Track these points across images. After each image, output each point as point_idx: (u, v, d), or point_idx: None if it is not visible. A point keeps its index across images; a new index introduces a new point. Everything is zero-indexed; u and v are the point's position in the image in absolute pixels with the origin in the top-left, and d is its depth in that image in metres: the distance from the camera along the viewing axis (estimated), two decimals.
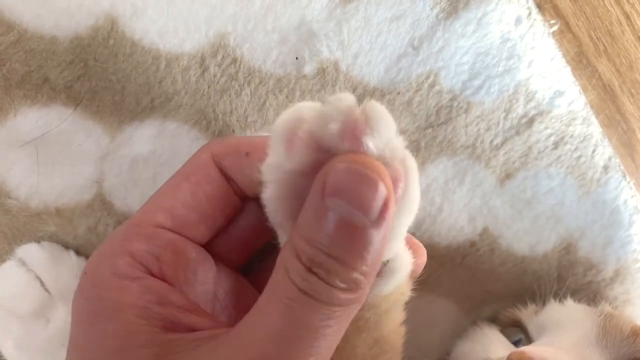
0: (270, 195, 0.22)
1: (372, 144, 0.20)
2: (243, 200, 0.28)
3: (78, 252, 0.36)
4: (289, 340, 0.20)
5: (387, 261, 0.24)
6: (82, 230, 0.36)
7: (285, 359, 0.20)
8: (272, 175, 0.22)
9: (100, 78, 0.34)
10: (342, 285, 0.20)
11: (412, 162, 0.22)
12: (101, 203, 0.36)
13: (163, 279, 0.25)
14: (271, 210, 0.22)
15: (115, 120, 0.34)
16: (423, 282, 0.41)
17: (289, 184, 0.21)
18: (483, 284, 0.41)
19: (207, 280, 0.27)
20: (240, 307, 0.28)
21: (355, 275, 0.20)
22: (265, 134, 0.31)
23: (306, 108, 0.21)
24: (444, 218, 0.39)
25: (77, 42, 0.33)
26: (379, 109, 0.20)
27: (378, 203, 0.19)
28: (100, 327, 0.23)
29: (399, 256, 0.24)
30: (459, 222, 0.40)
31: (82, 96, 0.34)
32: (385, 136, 0.20)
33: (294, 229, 0.21)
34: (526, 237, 0.41)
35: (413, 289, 0.31)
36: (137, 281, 0.24)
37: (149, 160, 0.35)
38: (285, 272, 0.20)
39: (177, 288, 0.25)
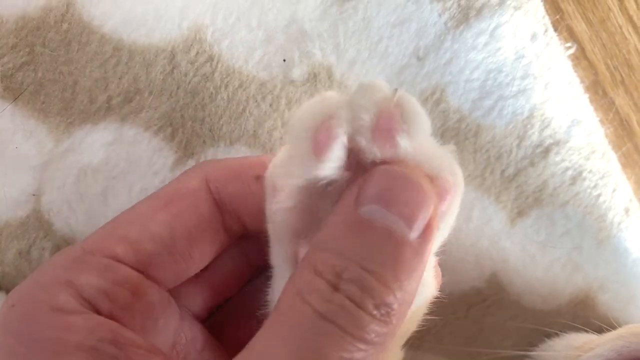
0: (280, 204, 0.19)
1: (408, 144, 0.18)
2: (231, 238, 0.24)
3: (0, 283, 0.30)
4: None
5: None
6: (10, 255, 0.30)
7: None
8: (289, 180, 0.19)
9: (49, 68, 0.29)
10: (374, 311, 0.16)
11: (460, 172, 0.19)
12: (37, 222, 0.30)
13: None
14: (276, 222, 0.19)
15: (62, 120, 0.29)
16: (421, 338, 0.35)
17: (307, 191, 0.18)
18: (490, 342, 0.35)
19: (168, 329, 0.23)
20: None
21: (391, 299, 0.17)
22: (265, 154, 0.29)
23: (334, 99, 0.18)
24: (447, 259, 0.34)
25: (23, 23, 0.28)
26: (413, 103, 0.18)
27: (425, 215, 0.17)
28: None
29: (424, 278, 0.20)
30: (464, 265, 0.34)
31: (24, 88, 0.28)
32: (422, 135, 0.18)
33: (312, 246, 0.18)
34: (539, 286, 0.35)
35: (409, 345, 0.26)
36: (84, 316, 0.19)
37: (100, 172, 0.30)
38: (297, 296, 0.17)
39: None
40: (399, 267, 0.17)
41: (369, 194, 0.17)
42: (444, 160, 0.18)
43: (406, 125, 0.17)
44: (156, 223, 0.22)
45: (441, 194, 0.18)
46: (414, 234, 0.17)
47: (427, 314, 0.27)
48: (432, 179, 0.18)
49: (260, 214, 0.21)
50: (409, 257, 0.17)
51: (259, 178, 0.22)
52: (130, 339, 0.19)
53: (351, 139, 0.18)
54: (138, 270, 0.21)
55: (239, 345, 0.18)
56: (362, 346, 0.16)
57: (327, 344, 0.16)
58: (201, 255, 0.23)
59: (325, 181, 0.18)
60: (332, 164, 0.18)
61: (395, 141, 0.17)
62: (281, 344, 0.16)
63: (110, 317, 0.20)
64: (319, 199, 0.19)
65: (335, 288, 0.16)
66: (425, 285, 0.21)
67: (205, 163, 0.25)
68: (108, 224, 0.22)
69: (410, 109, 0.18)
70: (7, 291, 0.30)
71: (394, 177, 0.17)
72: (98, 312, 0.20)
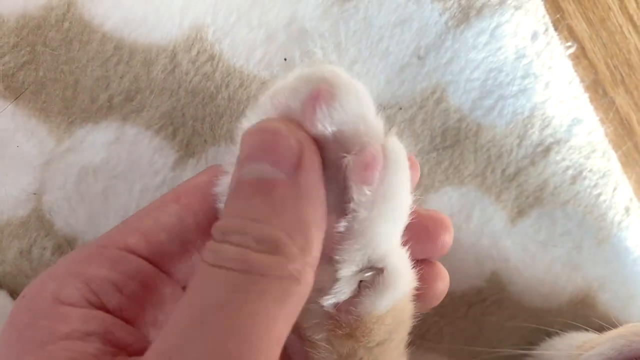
0: (218, 187, 0.21)
1: (328, 120, 0.19)
2: None
3: (1, 282, 0.30)
4: (207, 328, 0.16)
5: (381, 269, 0.21)
6: (11, 254, 0.30)
7: (202, 348, 0.16)
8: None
9: (50, 68, 0.29)
10: (256, 245, 0.17)
11: (396, 149, 0.19)
12: (38, 221, 0.30)
13: (122, 317, 0.20)
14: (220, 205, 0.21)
15: (64, 120, 0.29)
16: (421, 337, 0.35)
17: None
18: (490, 341, 0.35)
19: None
20: None
21: (273, 231, 0.17)
22: None
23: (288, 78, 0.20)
24: (447, 259, 0.34)
25: (24, 22, 0.28)
26: (348, 84, 0.19)
27: (291, 153, 0.18)
28: None
29: (395, 269, 0.21)
30: (464, 264, 0.34)
31: (25, 88, 0.28)
32: (352, 113, 0.19)
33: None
34: (539, 285, 0.35)
35: (410, 344, 0.25)
36: (81, 309, 0.19)
37: (101, 171, 0.30)
38: (200, 261, 0.18)
39: (138, 328, 0.21)
40: (273, 201, 0.17)
41: (242, 157, 0.18)
42: (375, 130, 0.19)
43: (334, 101, 0.19)
44: (167, 214, 0.22)
45: (369, 162, 0.19)
46: (282, 174, 0.18)
47: (426, 312, 0.27)
48: (362, 148, 0.19)
49: None
50: (282, 192, 0.18)
51: None
52: (121, 338, 0.19)
53: (292, 113, 0.19)
54: (151, 262, 0.22)
55: None
56: (256, 278, 0.17)
57: (224, 286, 0.16)
58: None
59: None
60: None
61: (315, 111, 0.19)
62: (187, 306, 0.17)
63: (120, 308, 0.20)
64: None
65: (221, 242, 0.17)
66: (401, 278, 0.21)
67: (217, 164, 0.25)
68: (123, 221, 0.23)
69: (342, 89, 0.19)
70: (8, 290, 0.30)
71: (254, 133, 0.18)
72: (106, 304, 0.20)
